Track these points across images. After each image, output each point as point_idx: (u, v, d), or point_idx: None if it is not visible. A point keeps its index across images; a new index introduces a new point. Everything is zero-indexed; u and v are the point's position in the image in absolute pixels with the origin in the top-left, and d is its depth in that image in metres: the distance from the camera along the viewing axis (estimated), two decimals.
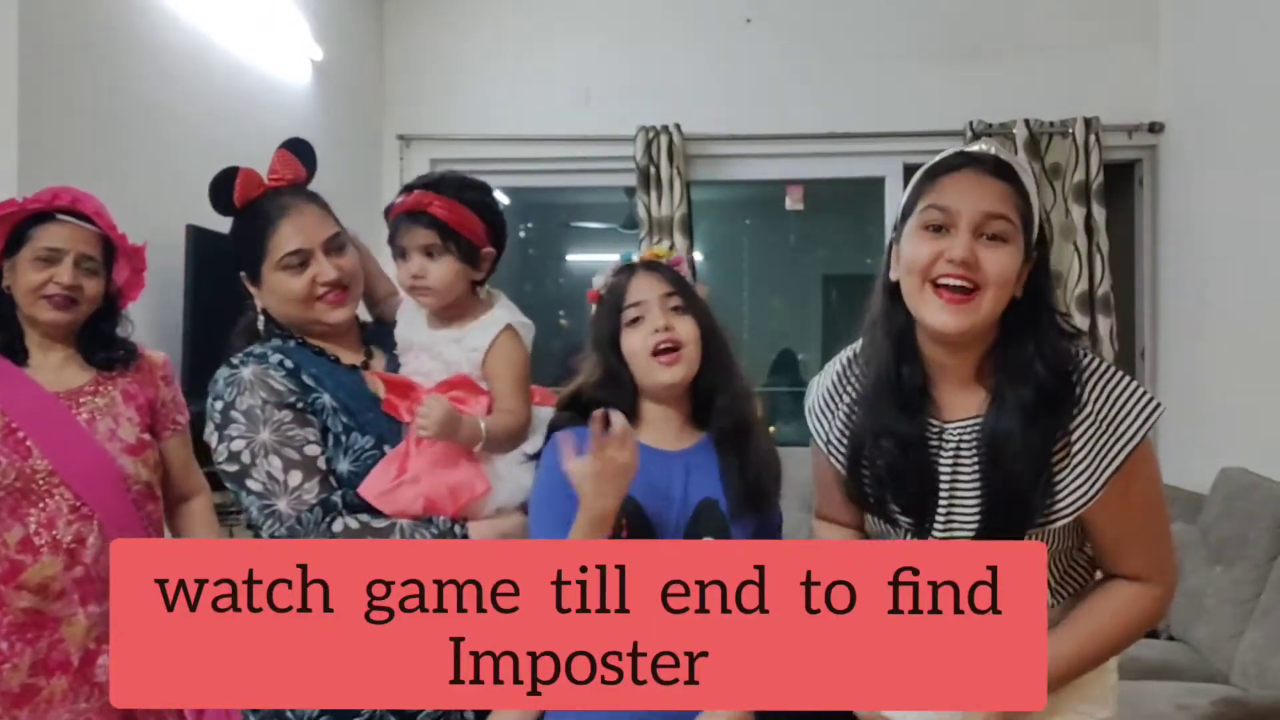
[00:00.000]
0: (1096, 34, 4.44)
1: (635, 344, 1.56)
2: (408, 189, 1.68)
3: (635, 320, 1.56)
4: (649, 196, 4.50)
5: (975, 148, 1.41)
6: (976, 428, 1.38)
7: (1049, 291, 1.42)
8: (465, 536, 1.58)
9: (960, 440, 1.39)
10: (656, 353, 1.54)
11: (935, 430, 1.41)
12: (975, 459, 1.38)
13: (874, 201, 4.73)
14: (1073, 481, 1.35)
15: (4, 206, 1.99)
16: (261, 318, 1.71)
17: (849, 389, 1.51)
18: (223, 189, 1.66)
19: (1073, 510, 1.35)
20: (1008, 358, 1.37)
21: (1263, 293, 3.59)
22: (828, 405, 1.53)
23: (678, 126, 4.48)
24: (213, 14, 3.35)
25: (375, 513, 1.57)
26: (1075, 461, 1.35)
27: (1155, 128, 4.38)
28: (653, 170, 4.48)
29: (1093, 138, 4.29)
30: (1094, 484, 1.34)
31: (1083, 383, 1.36)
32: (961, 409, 1.40)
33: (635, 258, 1.64)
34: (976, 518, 1.37)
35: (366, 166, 4.61)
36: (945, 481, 1.39)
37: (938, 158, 1.40)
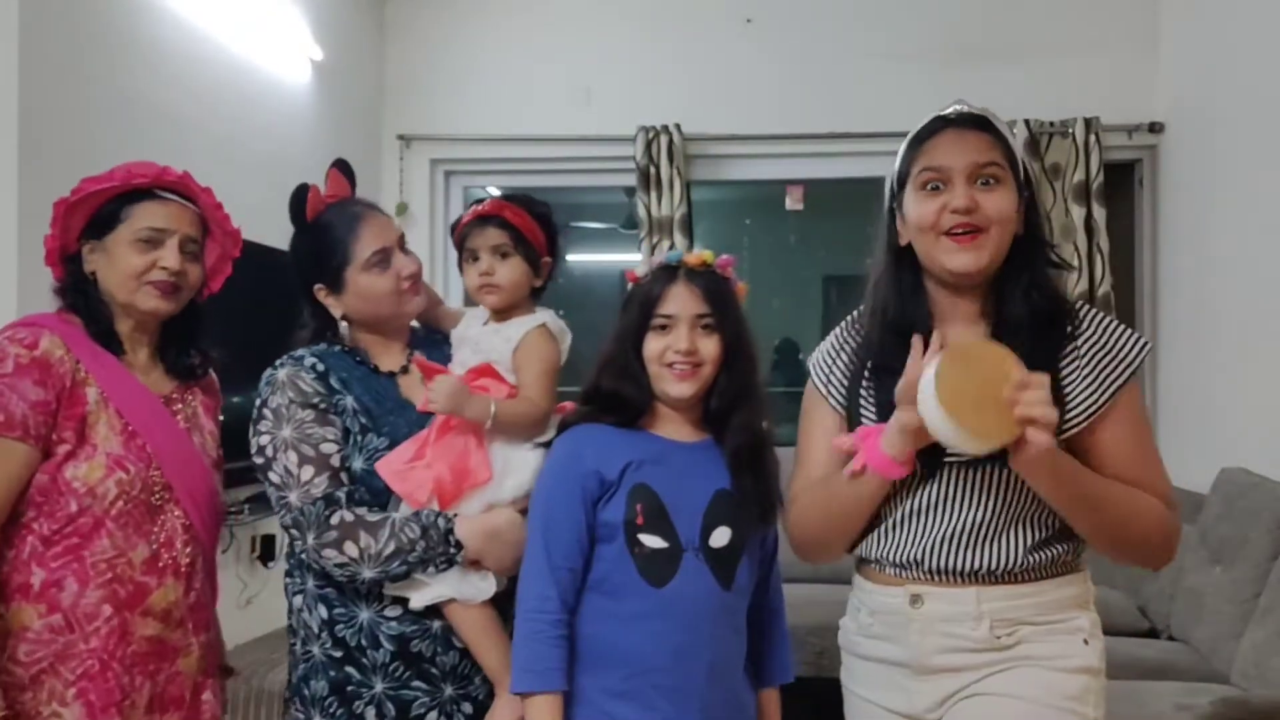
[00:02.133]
0: (1096, 34, 4.44)
1: (655, 351, 1.59)
2: (477, 202, 1.84)
3: (662, 328, 1.59)
4: (649, 196, 4.50)
5: (949, 110, 1.55)
6: None
7: (1041, 227, 1.57)
8: (450, 530, 1.64)
9: None
10: (671, 365, 1.58)
11: None
12: None
13: (874, 201, 4.70)
14: (1082, 390, 1.47)
15: (94, 181, 1.77)
16: (344, 325, 1.82)
17: (849, 342, 1.63)
18: (298, 204, 1.80)
19: (1085, 416, 1.46)
20: (1007, 288, 1.50)
21: (1263, 292, 3.59)
22: (829, 357, 1.65)
23: (678, 126, 4.49)
24: (213, 14, 3.36)
25: (374, 507, 1.67)
26: (1084, 372, 1.47)
27: (1155, 128, 4.38)
28: (653, 170, 4.48)
29: (1093, 138, 4.29)
30: (1103, 392, 1.46)
31: (1077, 312, 1.52)
32: (968, 339, 1.50)
33: (683, 257, 1.64)
34: None
35: (366, 166, 4.61)
36: None
37: (918, 127, 1.54)
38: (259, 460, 1.70)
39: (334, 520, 1.63)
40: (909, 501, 1.53)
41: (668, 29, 4.64)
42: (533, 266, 1.80)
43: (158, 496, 1.73)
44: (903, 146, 1.55)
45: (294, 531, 1.66)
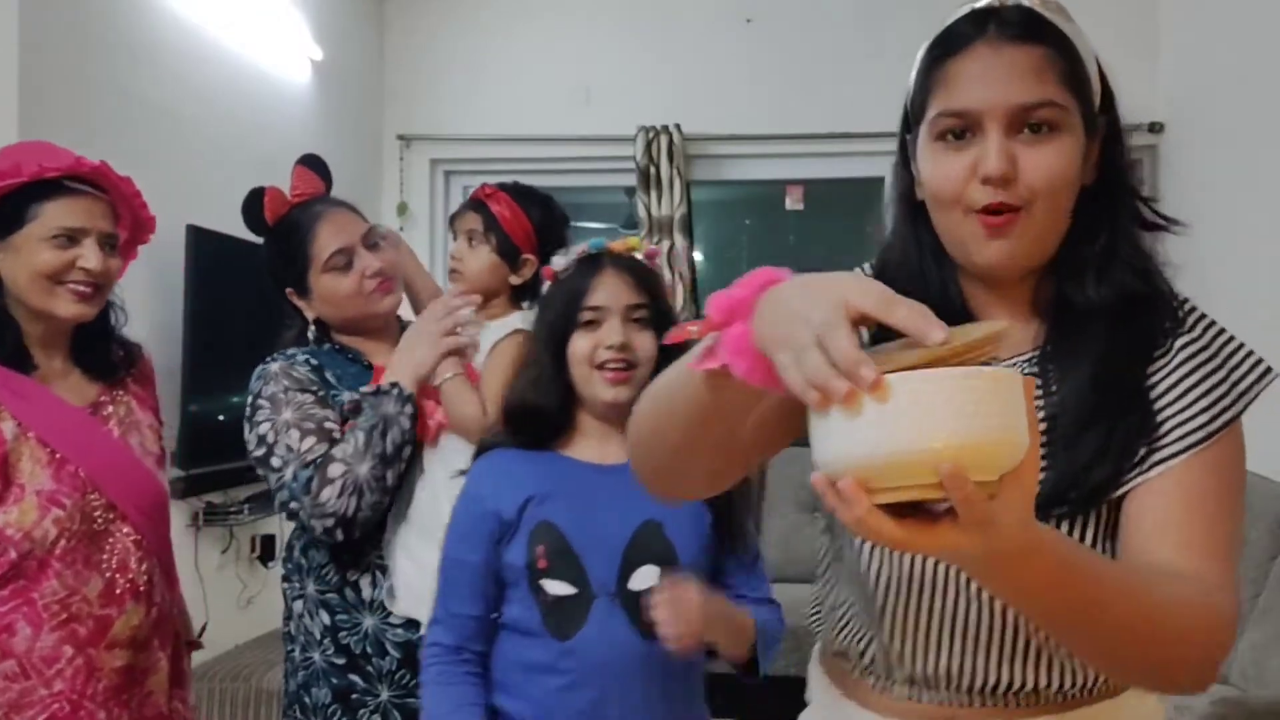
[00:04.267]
0: (1096, 34, 4.37)
1: (583, 350, 1.40)
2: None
3: (590, 324, 1.40)
4: (649, 196, 4.50)
5: (986, 0, 1.01)
6: (1034, 362, 1.02)
7: (1126, 170, 1.07)
8: (383, 387, 1.64)
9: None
10: (602, 366, 1.39)
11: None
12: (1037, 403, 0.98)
13: (874, 201, 4.72)
14: (1177, 418, 0.97)
15: None
16: (313, 329, 1.79)
17: None
18: (253, 209, 1.72)
19: (1174, 453, 0.95)
20: (1074, 259, 1.01)
21: (1262, 292, 3.59)
22: None
23: (678, 126, 4.48)
24: (213, 14, 3.35)
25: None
26: (1181, 392, 0.98)
27: (1155, 128, 4.38)
28: (653, 170, 4.48)
29: None
30: (1207, 425, 0.97)
31: (1182, 304, 1.04)
32: (1013, 345, 1.02)
33: (607, 244, 1.47)
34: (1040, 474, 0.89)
35: (366, 166, 4.61)
36: None
37: (943, 28, 1.06)
38: (259, 452, 1.65)
39: (321, 470, 1.59)
40: (917, 570, 0.99)
41: (668, 29, 4.64)
42: (508, 258, 1.74)
43: (100, 521, 1.59)
44: (920, 55, 1.07)
45: (293, 505, 1.61)
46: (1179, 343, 1.00)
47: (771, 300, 0.77)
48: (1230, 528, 0.98)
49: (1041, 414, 0.97)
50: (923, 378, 0.66)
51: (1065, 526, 0.95)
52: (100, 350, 1.70)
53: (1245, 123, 3.75)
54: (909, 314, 0.71)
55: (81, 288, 1.59)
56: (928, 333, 0.69)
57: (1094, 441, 0.95)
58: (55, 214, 1.57)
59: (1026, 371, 1.01)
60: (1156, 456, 0.95)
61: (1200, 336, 1.01)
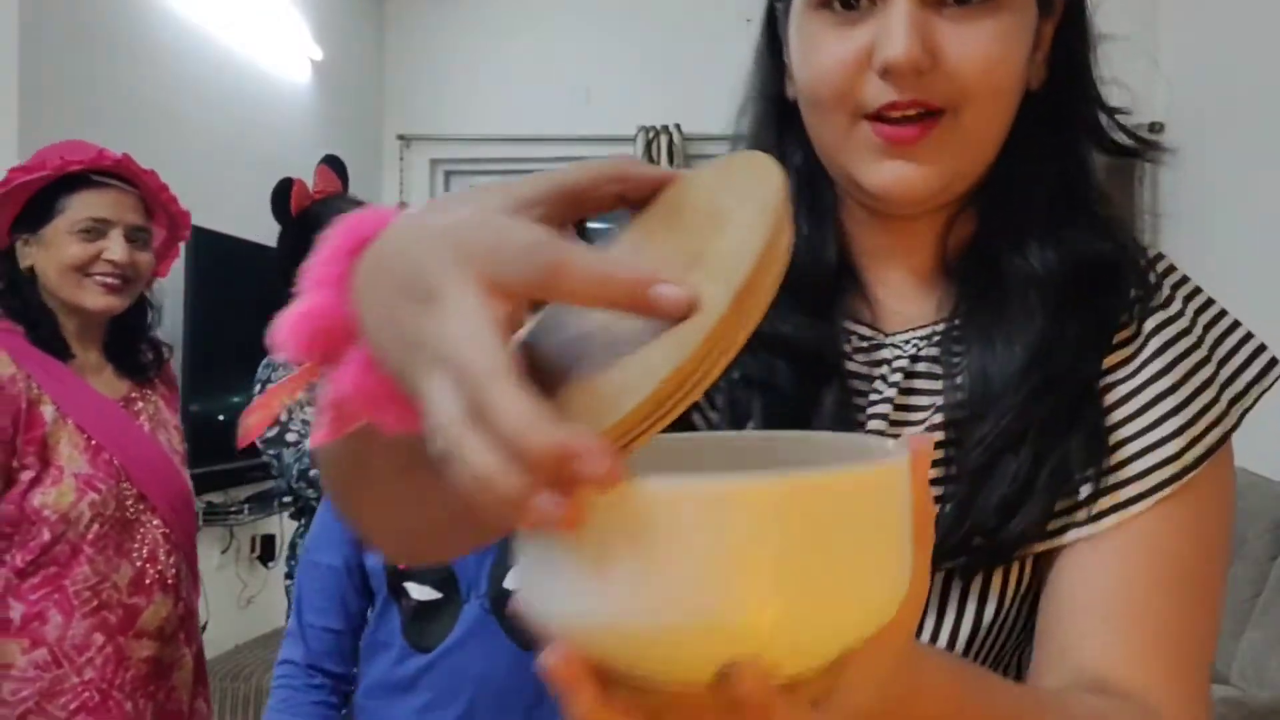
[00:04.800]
0: (1095, 34, 4.44)
1: None
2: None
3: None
4: None
5: None
6: (935, 342, 0.70)
7: (1087, 73, 0.77)
8: None
9: (914, 360, 0.70)
10: None
11: (865, 344, 0.71)
12: (939, 391, 0.69)
13: None
14: (1152, 429, 0.65)
15: (23, 171, 1.63)
16: None
17: None
18: (281, 198, 1.76)
19: (1151, 485, 0.64)
20: (1008, 195, 0.70)
21: (1263, 292, 3.58)
22: None
23: (678, 126, 4.48)
24: (213, 14, 3.36)
25: None
26: (1157, 391, 0.66)
27: (1155, 128, 4.38)
28: None
29: None
30: (1195, 440, 0.66)
31: (1153, 264, 0.72)
32: (917, 311, 0.72)
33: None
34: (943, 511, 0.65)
35: (366, 166, 4.61)
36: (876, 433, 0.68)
37: None
38: (271, 432, 1.67)
39: None
40: None
41: (668, 29, 4.64)
42: None
43: (132, 510, 1.61)
44: None
45: (313, 472, 1.59)
46: (1150, 324, 0.68)
47: (368, 283, 0.43)
48: (1204, 614, 0.64)
49: (940, 418, 0.66)
50: (710, 498, 0.34)
51: (957, 586, 0.65)
52: (133, 348, 1.73)
53: (1244, 123, 3.75)
54: (589, 277, 0.37)
55: (109, 279, 1.62)
56: (640, 296, 0.37)
57: (1016, 468, 0.63)
58: (81, 206, 1.61)
59: (923, 354, 0.69)
60: (1105, 501, 0.64)
61: (1180, 315, 0.69)
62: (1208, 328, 0.70)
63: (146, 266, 1.69)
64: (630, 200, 0.46)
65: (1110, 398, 0.67)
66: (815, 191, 0.73)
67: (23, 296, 1.61)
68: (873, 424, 0.68)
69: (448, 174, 4.85)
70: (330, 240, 0.47)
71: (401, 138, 4.70)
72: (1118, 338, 0.68)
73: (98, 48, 2.81)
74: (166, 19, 3.11)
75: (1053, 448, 0.64)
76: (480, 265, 0.37)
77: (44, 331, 1.61)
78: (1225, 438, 0.68)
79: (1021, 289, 0.68)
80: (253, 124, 3.57)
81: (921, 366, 0.70)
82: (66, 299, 1.62)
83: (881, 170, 0.65)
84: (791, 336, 0.69)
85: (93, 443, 1.59)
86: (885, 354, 0.71)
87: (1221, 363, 0.69)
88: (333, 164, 1.91)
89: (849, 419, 0.68)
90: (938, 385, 0.69)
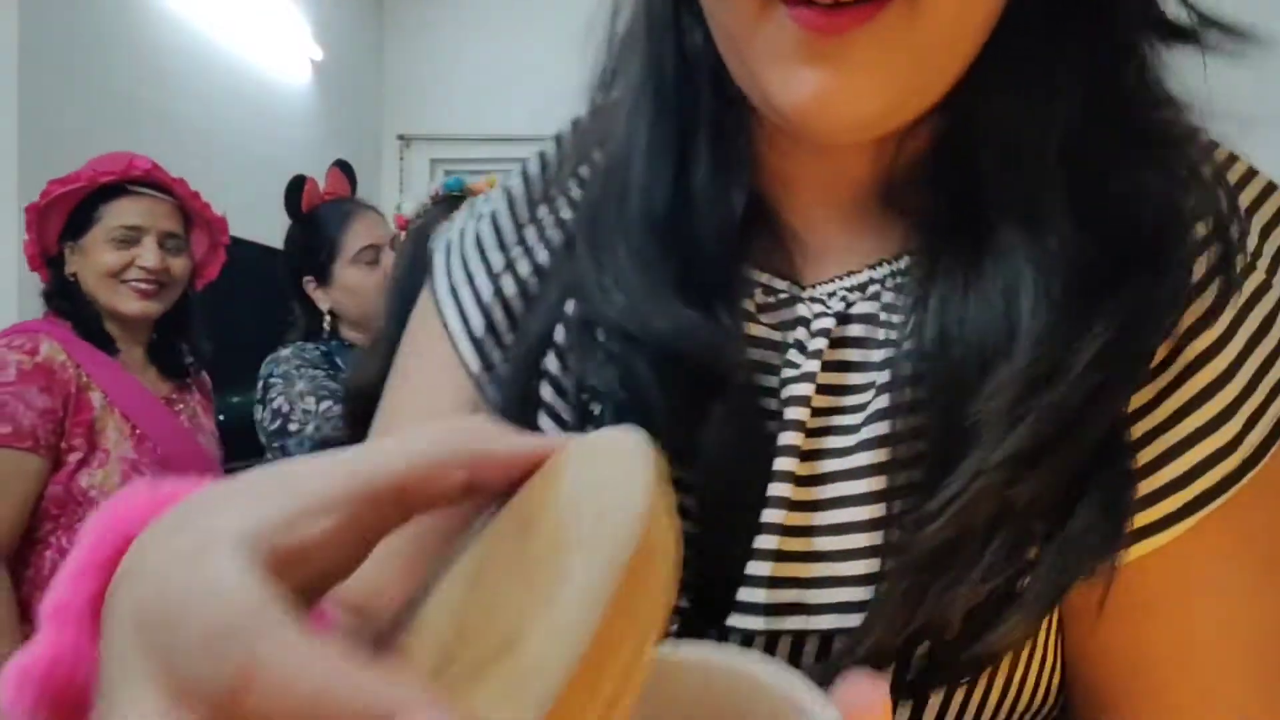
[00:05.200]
0: None
1: None
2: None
3: None
4: None
5: None
6: (893, 285, 0.48)
7: None
8: None
9: (843, 321, 0.48)
10: None
11: (774, 300, 0.50)
12: (890, 365, 0.45)
13: None
14: (1178, 445, 0.42)
15: (61, 183, 1.72)
16: (328, 318, 1.87)
17: (545, 219, 0.57)
18: (294, 195, 1.86)
19: (1179, 512, 0.42)
20: (1003, 106, 0.45)
21: None
22: (477, 248, 0.58)
23: None
24: (213, 14, 3.36)
25: None
26: (1194, 395, 0.43)
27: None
28: None
29: None
30: (1247, 452, 0.42)
31: (1242, 220, 0.50)
32: (849, 253, 0.50)
33: (466, 183, 1.27)
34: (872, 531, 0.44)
35: (366, 166, 4.61)
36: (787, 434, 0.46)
37: None
38: (274, 425, 1.70)
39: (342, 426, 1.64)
40: None
41: None
42: None
43: None
44: None
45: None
46: (1248, 291, 0.45)
47: (115, 634, 0.26)
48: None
49: (884, 402, 0.44)
50: None
51: (903, 712, 0.44)
52: (175, 351, 1.81)
53: (1245, 122, 3.75)
54: (294, 692, 0.23)
55: (142, 285, 1.70)
56: None
57: (991, 561, 0.41)
58: (115, 214, 1.70)
59: (856, 311, 0.47)
60: (1157, 499, 0.42)
61: (1267, 286, 0.46)
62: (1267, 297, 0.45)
63: (182, 271, 1.76)
64: (483, 490, 0.29)
65: (1145, 424, 0.42)
66: (718, 94, 0.48)
67: (70, 298, 1.71)
68: (786, 434, 0.45)
69: (448, 174, 4.84)
70: (84, 541, 0.30)
71: (401, 138, 4.70)
72: (1189, 320, 0.43)
73: (97, 49, 2.81)
74: (166, 20, 3.11)
75: (1058, 522, 0.41)
76: (161, 658, 0.24)
77: (89, 328, 1.69)
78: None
79: (1019, 226, 0.44)
80: (252, 124, 3.57)
81: (854, 330, 0.47)
82: (105, 304, 1.70)
83: (798, 81, 0.41)
84: (668, 337, 0.46)
85: (137, 432, 1.66)
86: (802, 311, 0.48)
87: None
88: (344, 169, 2.00)
89: (749, 428, 0.46)
90: (877, 356, 0.46)
